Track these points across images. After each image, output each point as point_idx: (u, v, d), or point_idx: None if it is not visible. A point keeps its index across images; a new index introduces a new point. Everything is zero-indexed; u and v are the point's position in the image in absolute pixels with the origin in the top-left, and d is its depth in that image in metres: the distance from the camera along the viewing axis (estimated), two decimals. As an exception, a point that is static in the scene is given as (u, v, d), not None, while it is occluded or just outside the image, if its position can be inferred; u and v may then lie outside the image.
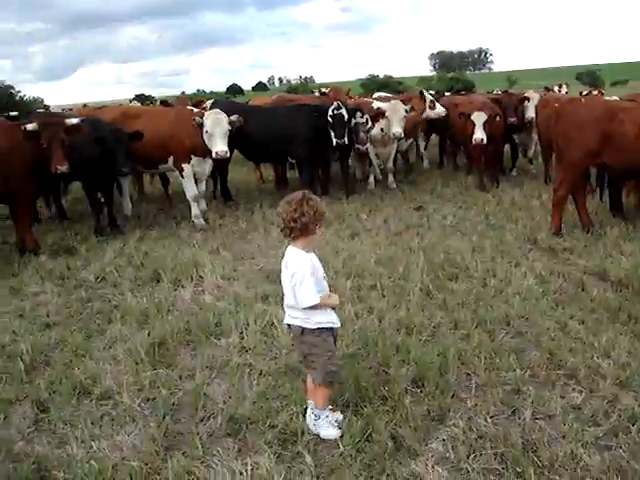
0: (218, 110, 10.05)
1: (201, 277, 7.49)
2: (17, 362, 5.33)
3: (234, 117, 9.95)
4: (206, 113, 10.02)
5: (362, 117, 11.31)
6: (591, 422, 4.20)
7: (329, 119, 10.95)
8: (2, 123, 9.71)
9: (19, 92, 66.52)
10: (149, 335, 5.80)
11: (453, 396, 4.62)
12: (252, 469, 3.83)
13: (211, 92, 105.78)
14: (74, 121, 9.10)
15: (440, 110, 13.52)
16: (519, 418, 4.28)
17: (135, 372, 5.15)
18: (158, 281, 7.50)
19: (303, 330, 4.18)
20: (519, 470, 3.72)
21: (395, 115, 11.84)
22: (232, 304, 6.48)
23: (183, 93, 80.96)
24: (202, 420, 4.46)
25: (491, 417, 4.28)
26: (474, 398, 4.57)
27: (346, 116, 10.97)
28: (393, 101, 12.36)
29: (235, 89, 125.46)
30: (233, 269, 7.84)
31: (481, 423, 4.19)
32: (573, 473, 3.68)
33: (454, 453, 3.95)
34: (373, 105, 12.44)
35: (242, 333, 5.80)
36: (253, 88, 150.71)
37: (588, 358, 5.05)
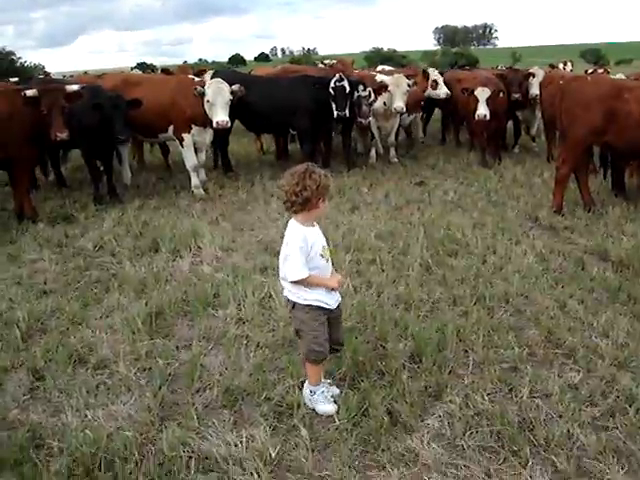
0: (220, 79, 9.94)
1: (200, 248, 7.45)
2: (13, 329, 5.31)
3: (236, 87, 9.84)
4: (208, 82, 9.90)
5: (365, 90, 11.20)
6: (588, 402, 4.19)
7: (331, 91, 10.81)
8: (2, 89, 9.58)
9: (20, 58, 66.03)
10: (146, 305, 5.77)
11: (450, 372, 4.60)
12: (247, 441, 3.82)
13: (213, 62, 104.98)
14: (74, 87, 9.01)
15: (441, 92, 13.28)
16: (516, 396, 4.26)
17: (132, 342, 5.13)
18: (157, 251, 7.46)
19: (294, 304, 4.14)
20: (515, 448, 3.71)
21: (398, 89, 11.71)
22: (230, 275, 6.44)
23: (185, 62, 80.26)
24: (198, 391, 4.44)
25: (488, 394, 4.25)
26: (471, 375, 4.56)
27: (348, 88, 10.84)
28: (396, 75, 12.21)
29: (237, 59, 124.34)
30: (232, 240, 7.80)
31: (478, 400, 4.16)
32: (569, 452, 3.67)
33: (450, 430, 3.94)
34: (376, 78, 12.29)
35: (240, 305, 5.77)
36: (255, 59, 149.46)
37: (587, 338, 5.04)
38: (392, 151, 12.91)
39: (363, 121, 11.37)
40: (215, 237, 7.69)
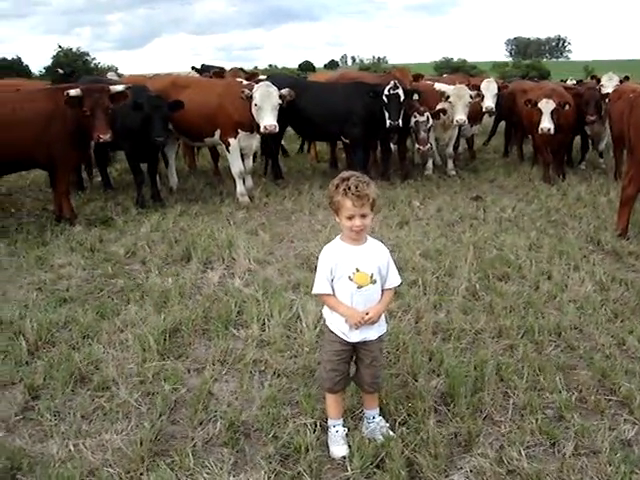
0: (268, 83, 9.58)
1: (233, 259, 7.06)
2: (20, 341, 4.98)
3: (285, 91, 9.47)
4: (256, 86, 9.53)
5: (423, 115, 10.75)
6: (642, 464, 3.57)
7: (384, 99, 10.31)
8: (44, 88, 9.44)
9: (94, 59, 68.03)
10: (164, 320, 5.35)
11: (485, 418, 4.05)
12: (244, 488, 3.36)
13: (283, 68, 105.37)
14: (119, 88, 8.77)
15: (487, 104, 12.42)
16: (558, 452, 3.67)
17: (141, 361, 4.73)
18: (189, 260, 7.12)
19: (325, 321, 3.79)
20: (551, 520, 3.15)
21: (460, 101, 11.13)
22: (259, 291, 6.01)
23: (256, 68, 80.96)
24: (201, 423, 3.99)
25: (526, 448, 3.67)
26: (510, 422, 3.99)
27: (402, 97, 10.33)
28: (458, 85, 11.54)
29: (307, 66, 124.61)
30: (269, 252, 7.40)
31: (514, 455, 3.59)
32: (614, 529, 3.09)
33: (477, 490, 3.39)
34: (435, 86, 11.73)
35: (264, 325, 5.33)
36: (325, 66, 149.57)
37: (646, 384, 4.40)
38: (450, 163, 12.32)
39: (422, 148, 10.90)
40: (251, 248, 7.28)
